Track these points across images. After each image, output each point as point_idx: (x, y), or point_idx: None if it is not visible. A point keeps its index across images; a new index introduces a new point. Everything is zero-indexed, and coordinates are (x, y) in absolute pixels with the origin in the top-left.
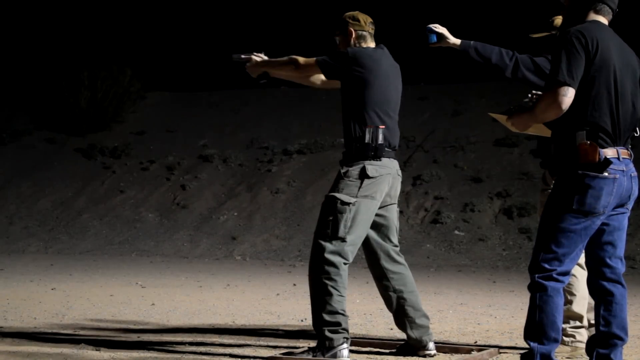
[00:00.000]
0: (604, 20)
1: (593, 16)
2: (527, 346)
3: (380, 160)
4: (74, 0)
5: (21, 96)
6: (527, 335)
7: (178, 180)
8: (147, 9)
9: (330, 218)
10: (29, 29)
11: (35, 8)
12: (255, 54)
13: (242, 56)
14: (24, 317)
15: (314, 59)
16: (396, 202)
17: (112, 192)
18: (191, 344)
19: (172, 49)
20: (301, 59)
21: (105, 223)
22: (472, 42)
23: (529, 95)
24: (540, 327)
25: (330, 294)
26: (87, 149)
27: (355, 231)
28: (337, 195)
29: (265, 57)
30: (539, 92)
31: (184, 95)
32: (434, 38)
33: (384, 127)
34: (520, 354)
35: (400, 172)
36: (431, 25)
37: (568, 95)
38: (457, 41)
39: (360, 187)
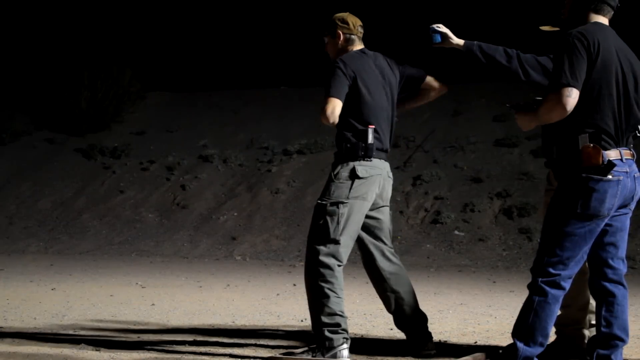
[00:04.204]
0: (604, 19)
1: (594, 16)
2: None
3: (370, 160)
4: (74, 0)
5: (21, 96)
6: (515, 333)
7: (178, 180)
8: (147, 9)
9: (321, 221)
10: (29, 29)
11: (35, 8)
12: None
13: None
14: (24, 317)
15: (328, 99)
16: (388, 204)
17: (112, 192)
18: (191, 344)
19: (172, 49)
20: (323, 109)
21: (105, 223)
22: (475, 42)
23: (536, 98)
24: (530, 330)
25: (328, 296)
26: (87, 149)
27: (348, 232)
28: (327, 198)
29: None
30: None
31: (184, 95)
32: (438, 38)
33: (372, 127)
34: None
35: (391, 174)
36: (434, 26)
37: (572, 96)
38: (461, 42)
39: (351, 188)
